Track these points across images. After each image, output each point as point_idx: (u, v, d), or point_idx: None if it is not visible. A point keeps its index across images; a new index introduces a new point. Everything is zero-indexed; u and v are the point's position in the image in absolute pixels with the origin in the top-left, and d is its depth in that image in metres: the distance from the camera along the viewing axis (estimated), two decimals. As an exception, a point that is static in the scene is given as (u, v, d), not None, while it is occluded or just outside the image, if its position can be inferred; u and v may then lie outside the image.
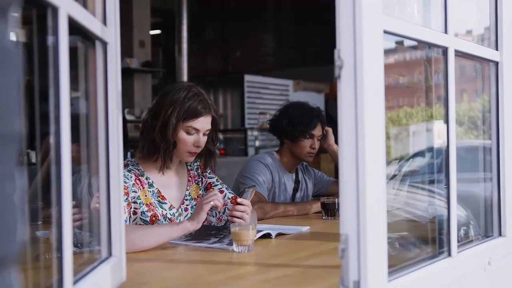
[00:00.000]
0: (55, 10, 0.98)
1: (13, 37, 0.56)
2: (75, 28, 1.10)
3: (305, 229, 2.33)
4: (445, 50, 1.50)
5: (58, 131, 1.00)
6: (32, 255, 1.19)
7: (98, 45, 1.33)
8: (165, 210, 2.20)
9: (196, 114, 2.16)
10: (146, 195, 2.17)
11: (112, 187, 1.36)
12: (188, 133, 2.17)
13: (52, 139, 1.01)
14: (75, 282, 1.07)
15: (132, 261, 1.64)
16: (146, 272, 1.63)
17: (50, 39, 1.01)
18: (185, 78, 8.66)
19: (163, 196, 2.22)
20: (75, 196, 1.07)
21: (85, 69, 1.33)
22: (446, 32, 1.50)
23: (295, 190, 3.11)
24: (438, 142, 1.87)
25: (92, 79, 1.34)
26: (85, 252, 1.42)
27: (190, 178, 2.36)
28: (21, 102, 0.57)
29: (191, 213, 2.27)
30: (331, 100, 8.04)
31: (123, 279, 1.41)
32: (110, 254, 1.36)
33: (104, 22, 1.34)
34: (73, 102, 1.07)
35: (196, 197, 2.35)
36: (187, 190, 2.33)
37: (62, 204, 1.00)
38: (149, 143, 2.18)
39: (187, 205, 2.31)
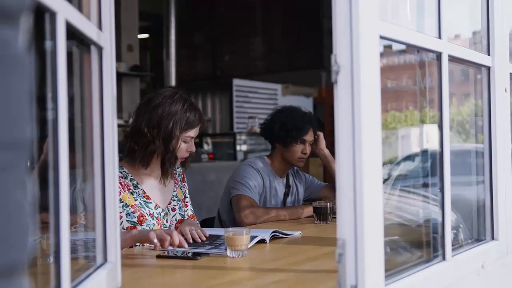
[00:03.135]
0: (53, 15, 0.98)
1: (23, 43, 0.56)
2: (70, 32, 1.09)
3: (297, 233, 2.33)
4: (439, 55, 1.51)
5: (55, 136, 0.99)
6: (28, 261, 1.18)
7: (93, 50, 1.32)
8: (151, 209, 2.26)
9: (195, 125, 2.28)
10: (129, 197, 2.21)
11: (107, 192, 1.36)
12: (185, 141, 2.27)
13: (49, 144, 1.00)
14: (72, 288, 1.06)
15: (127, 267, 1.62)
16: (141, 278, 1.63)
17: (47, 44, 1.00)
18: (173, 82, 8.63)
19: (148, 196, 2.28)
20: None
21: (80, 73, 1.33)
22: (439, 37, 1.51)
23: (286, 194, 3.11)
24: (428, 146, 1.88)
25: (87, 83, 1.33)
26: (79, 258, 1.41)
27: (176, 180, 2.44)
28: (32, 108, 0.56)
29: (179, 213, 2.38)
30: (320, 104, 8.07)
31: (118, 285, 1.40)
32: (105, 260, 1.35)
33: (100, 27, 1.34)
34: (68, 106, 1.06)
35: (181, 199, 2.43)
36: (174, 191, 2.40)
37: (60, 210, 0.99)
38: (150, 154, 2.23)
39: (174, 205, 2.38)
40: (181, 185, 2.46)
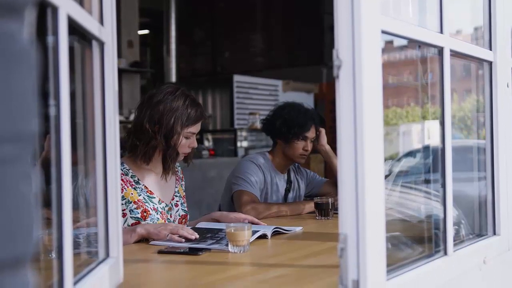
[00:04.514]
0: (55, 9, 0.98)
1: (28, 37, 0.56)
2: (72, 27, 1.09)
3: (298, 229, 2.33)
4: (440, 50, 1.51)
5: (58, 132, 0.99)
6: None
7: (95, 45, 1.32)
8: (155, 204, 2.27)
9: (197, 120, 2.28)
10: (132, 193, 2.22)
11: (109, 188, 1.35)
12: (187, 137, 2.28)
13: (51, 140, 1.00)
14: (74, 283, 1.06)
15: (129, 262, 1.63)
16: (142, 273, 1.63)
17: (49, 39, 1.00)
18: (173, 78, 8.62)
19: (151, 191, 2.29)
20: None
21: (81, 69, 1.32)
22: (441, 32, 1.50)
23: (287, 190, 3.11)
24: (430, 141, 1.88)
25: (89, 79, 1.33)
26: (81, 253, 1.41)
27: (177, 177, 2.46)
28: (37, 102, 0.56)
29: (181, 209, 2.40)
30: (321, 100, 8.07)
31: (120, 280, 1.40)
32: (107, 255, 1.35)
33: (101, 21, 1.33)
34: (69, 102, 1.06)
35: (182, 196, 2.45)
36: (176, 187, 2.42)
37: (62, 206, 0.99)
38: (151, 149, 2.25)
39: (176, 201, 2.40)
40: (181, 183, 2.49)
